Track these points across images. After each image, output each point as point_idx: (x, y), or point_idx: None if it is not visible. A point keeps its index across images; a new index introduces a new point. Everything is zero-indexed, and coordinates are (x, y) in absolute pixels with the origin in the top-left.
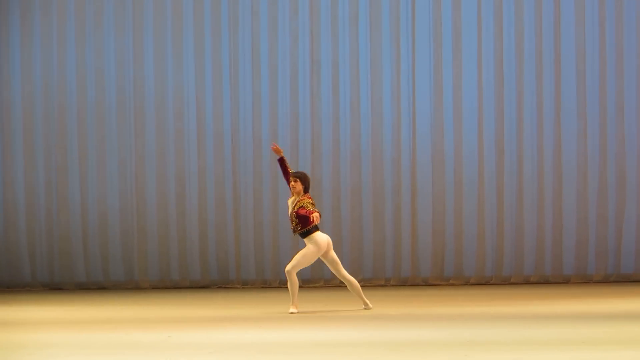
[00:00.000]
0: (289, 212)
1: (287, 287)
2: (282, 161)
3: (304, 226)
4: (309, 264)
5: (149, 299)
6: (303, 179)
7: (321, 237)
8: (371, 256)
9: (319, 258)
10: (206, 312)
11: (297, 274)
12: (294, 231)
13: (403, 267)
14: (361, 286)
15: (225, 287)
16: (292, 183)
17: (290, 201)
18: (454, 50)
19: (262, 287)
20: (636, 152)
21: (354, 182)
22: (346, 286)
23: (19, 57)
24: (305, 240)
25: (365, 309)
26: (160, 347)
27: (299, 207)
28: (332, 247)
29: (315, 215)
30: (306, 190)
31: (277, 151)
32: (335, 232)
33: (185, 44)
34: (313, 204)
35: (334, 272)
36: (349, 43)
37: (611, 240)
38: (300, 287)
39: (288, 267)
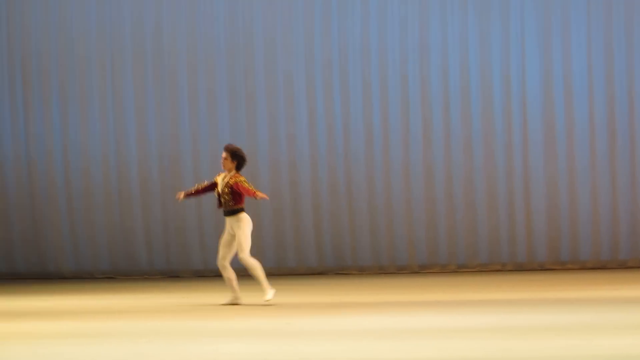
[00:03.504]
0: (219, 188)
1: (226, 278)
2: (191, 194)
3: (236, 204)
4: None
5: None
6: (235, 155)
7: (247, 216)
8: (486, 241)
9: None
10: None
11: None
12: (224, 206)
13: (519, 252)
14: (478, 272)
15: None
16: (223, 157)
17: (220, 178)
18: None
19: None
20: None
21: (466, 168)
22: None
23: None
24: (233, 218)
25: (265, 300)
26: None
27: (235, 183)
28: None
29: (262, 195)
30: (239, 168)
31: (184, 197)
32: (448, 217)
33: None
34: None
35: (223, 254)
36: (459, 28)
37: None
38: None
39: (241, 256)
